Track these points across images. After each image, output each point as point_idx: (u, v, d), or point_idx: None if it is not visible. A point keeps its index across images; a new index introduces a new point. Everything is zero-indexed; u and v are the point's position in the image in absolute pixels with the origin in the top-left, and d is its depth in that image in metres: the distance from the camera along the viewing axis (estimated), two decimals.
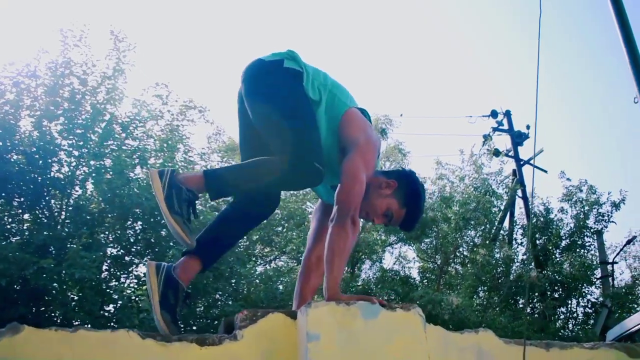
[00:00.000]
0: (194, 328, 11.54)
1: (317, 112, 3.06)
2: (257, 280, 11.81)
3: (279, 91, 3.05)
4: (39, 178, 10.71)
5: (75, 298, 10.47)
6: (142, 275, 11.53)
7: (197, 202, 3.05)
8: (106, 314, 10.65)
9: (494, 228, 17.34)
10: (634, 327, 7.24)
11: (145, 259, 11.57)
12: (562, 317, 17.73)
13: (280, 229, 14.57)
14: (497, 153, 18.87)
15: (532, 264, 17.17)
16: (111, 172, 10.80)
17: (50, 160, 10.86)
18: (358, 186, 2.85)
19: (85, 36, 11.15)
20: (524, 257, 17.54)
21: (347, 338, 2.48)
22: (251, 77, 3.14)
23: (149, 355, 2.47)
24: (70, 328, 2.44)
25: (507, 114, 21.29)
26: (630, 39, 3.90)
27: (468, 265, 16.72)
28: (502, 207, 17.83)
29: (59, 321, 10.00)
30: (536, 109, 2.87)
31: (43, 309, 10.30)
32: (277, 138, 2.98)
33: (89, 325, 10.05)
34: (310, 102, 3.05)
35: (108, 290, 10.53)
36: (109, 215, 10.72)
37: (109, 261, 11.16)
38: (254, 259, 14.10)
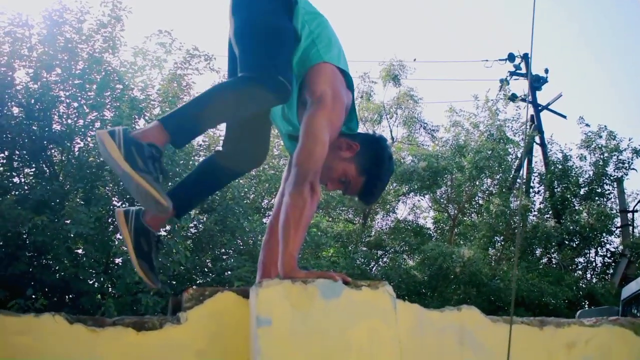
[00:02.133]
0: (199, 281, 11.37)
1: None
2: (262, 234, 11.56)
3: (261, 5, 2.70)
4: (39, 131, 10.45)
5: (81, 253, 10.29)
6: None
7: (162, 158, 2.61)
8: (113, 268, 10.47)
9: (511, 176, 16.91)
10: None
11: None
12: (580, 267, 17.43)
13: None
14: (513, 98, 18.34)
15: (550, 213, 16.81)
16: (111, 124, 10.48)
17: (49, 113, 10.57)
18: (319, 148, 2.48)
19: None
20: (541, 206, 17.18)
21: (304, 322, 2.14)
22: None
23: (78, 342, 2.16)
24: None
25: (525, 57, 20.65)
26: None
27: (484, 214, 16.39)
28: (519, 155, 17.38)
29: (64, 276, 9.85)
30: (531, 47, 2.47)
31: (46, 264, 10.14)
32: (245, 50, 2.66)
33: (92, 282, 9.92)
34: (292, 28, 2.70)
35: (112, 245, 10.33)
36: (108, 168, 10.44)
37: (110, 215, 10.91)
38: (262, 211, 13.81)
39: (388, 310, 2.24)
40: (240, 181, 13.10)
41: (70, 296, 10.28)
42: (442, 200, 16.64)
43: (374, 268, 15.86)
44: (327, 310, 2.17)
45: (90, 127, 10.74)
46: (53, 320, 2.16)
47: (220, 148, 3.10)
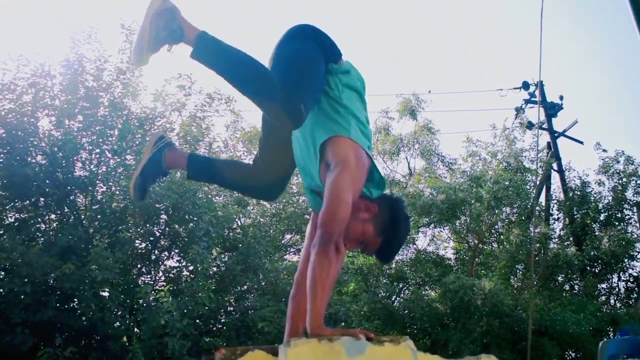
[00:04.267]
0: (223, 321, 11.48)
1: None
2: (284, 272, 11.68)
3: (313, 48, 3.00)
4: (63, 178, 10.67)
5: (106, 297, 10.41)
6: (169, 269, 11.50)
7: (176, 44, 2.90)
8: (134, 314, 10.58)
9: (529, 205, 16.95)
10: None
11: (172, 253, 11.55)
12: (603, 293, 17.34)
13: (308, 216, 14.41)
14: (530, 126, 18.42)
15: (570, 239, 16.79)
16: (133, 169, 10.71)
17: (72, 159, 10.81)
18: (343, 209, 2.62)
19: (95, 32, 11.00)
20: (562, 233, 17.17)
21: None
22: (293, 32, 3.10)
23: None
24: None
25: (540, 84, 20.76)
26: None
27: (504, 243, 16.41)
28: (537, 182, 17.43)
29: (90, 320, 9.98)
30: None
31: (72, 308, 10.29)
32: (285, 72, 2.91)
33: (118, 325, 10.02)
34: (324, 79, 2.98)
35: (137, 289, 10.45)
36: (132, 214, 10.65)
37: (135, 257, 11.09)
38: (283, 248, 13.97)
39: None
40: (261, 219, 13.30)
41: (97, 338, 10.40)
42: (461, 231, 16.68)
43: (396, 301, 15.90)
44: None
45: (113, 172, 10.97)
46: None
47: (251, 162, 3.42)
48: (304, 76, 2.87)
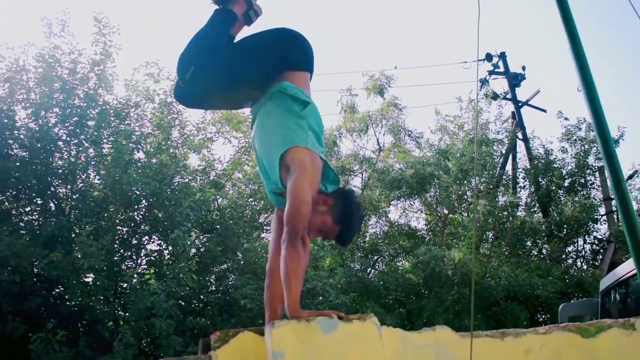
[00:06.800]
0: (206, 300, 11.87)
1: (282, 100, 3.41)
2: (262, 251, 12.08)
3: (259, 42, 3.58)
4: (43, 169, 10.94)
5: (90, 283, 10.73)
6: (150, 253, 11.85)
7: None
8: (119, 297, 10.90)
9: (496, 174, 17.50)
10: (626, 274, 7.42)
11: (152, 237, 11.89)
12: (570, 256, 18.00)
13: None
14: (495, 97, 18.92)
15: (536, 206, 17.37)
16: (110, 158, 11.02)
17: (50, 148, 11.04)
18: (305, 207, 3.05)
19: (67, 25, 11.21)
20: (528, 200, 17.76)
21: (310, 353, 2.72)
22: (274, 30, 3.63)
23: None
24: None
25: (502, 56, 21.33)
26: (573, 31, 3.95)
27: (474, 213, 16.94)
28: (503, 152, 17.99)
29: (78, 305, 10.33)
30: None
31: (59, 295, 10.62)
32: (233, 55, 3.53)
33: (105, 309, 10.35)
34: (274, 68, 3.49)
35: (122, 273, 10.77)
36: (112, 201, 10.96)
37: (117, 243, 11.42)
38: (260, 227, 14.36)
39: (375, 338, 2.82)
40: (237, 201, 13.69)
41: (85, 323, 10.76)
42: (432, 203, 17.18)
43: (371, 273, 16.41)
44: (327, 342, 2.75)
45: (92, 162, 11.26)
46: None
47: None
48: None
